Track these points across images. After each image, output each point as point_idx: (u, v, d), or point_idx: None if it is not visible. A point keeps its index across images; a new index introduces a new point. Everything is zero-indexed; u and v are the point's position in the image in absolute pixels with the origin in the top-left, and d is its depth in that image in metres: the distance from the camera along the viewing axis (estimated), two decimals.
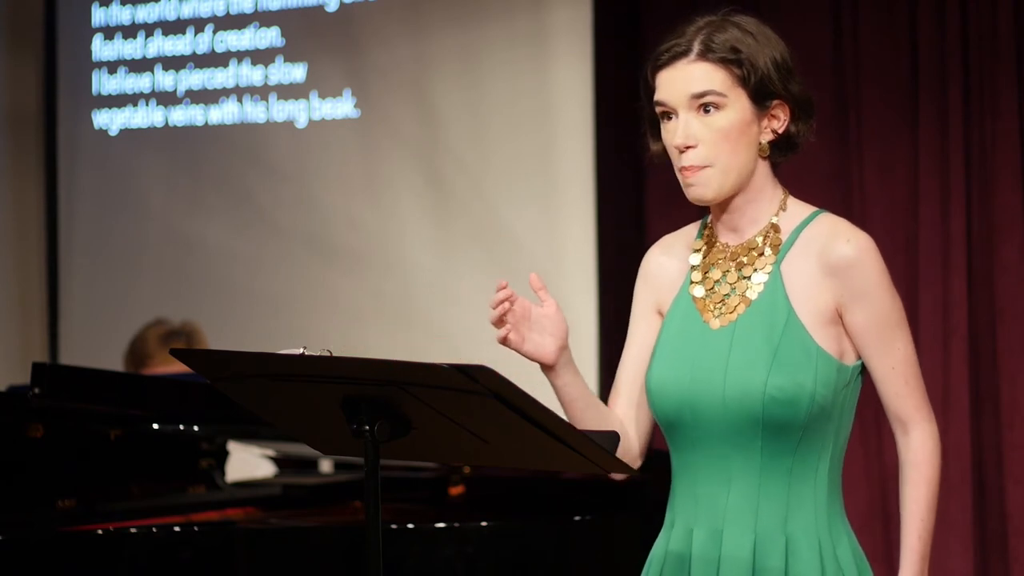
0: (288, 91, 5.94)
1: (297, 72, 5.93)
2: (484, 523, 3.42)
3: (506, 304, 2.27)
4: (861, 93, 4.83)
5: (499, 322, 2.28)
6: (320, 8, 5.88)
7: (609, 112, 5.27)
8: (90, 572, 3.23)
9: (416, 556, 3.37)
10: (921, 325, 4.65)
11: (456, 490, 4.12)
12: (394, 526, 3.36)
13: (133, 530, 3.30)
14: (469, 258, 5.55)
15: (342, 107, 5.83)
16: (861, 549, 2.36)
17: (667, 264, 2.42)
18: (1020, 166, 4.60)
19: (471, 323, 5.51)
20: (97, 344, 6.14)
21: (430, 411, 2.16)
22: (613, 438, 2.29)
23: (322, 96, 5.86)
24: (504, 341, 2.29)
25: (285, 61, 5.95)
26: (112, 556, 3.25)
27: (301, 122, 5.91)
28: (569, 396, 2.36)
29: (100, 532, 3.29)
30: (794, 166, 5.18)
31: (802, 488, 2.27)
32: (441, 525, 3.40)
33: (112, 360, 5.29)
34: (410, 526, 3.39)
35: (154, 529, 3.32)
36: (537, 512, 3.69)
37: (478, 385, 2.06)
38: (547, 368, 2.33)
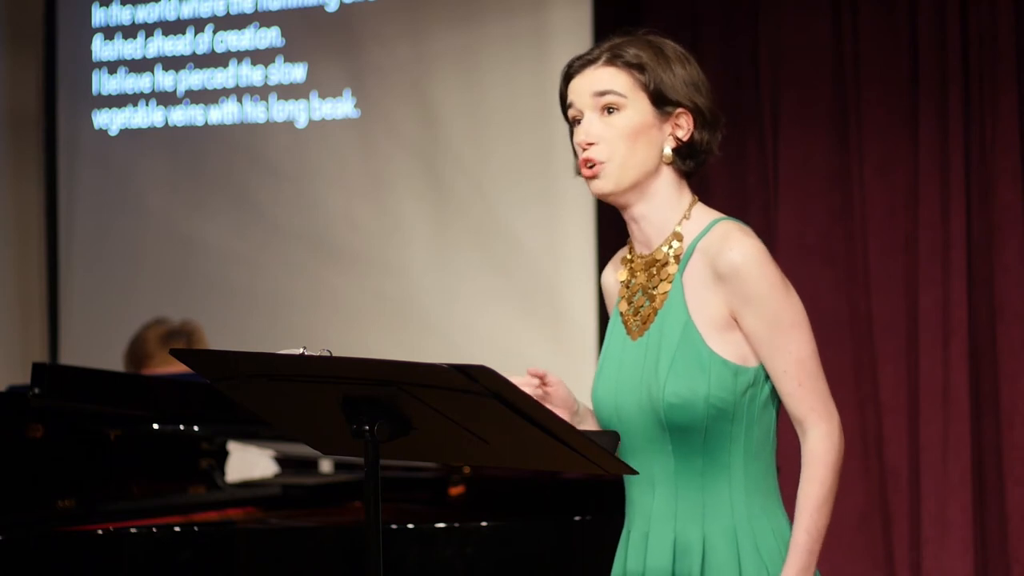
0: (288, 91, 5.94)
1: (297, 72, 5.93)
2: (484, 523, 3.42)
3: (539, 392, 2.40)
4: (861, 93, 4.82)
5: None
6: (320, 8, 5.88)
7: None
8: (90, 572, 3.23)
9: (416, 556, 3.37)
10: (921, 325, 4.65)
11: (456, 490, 4.12)
12: (394, 526, 3.36)
13: (133, 530, 3.30)
14: (469, 258, 5.54)
15: (342, 107, 5.82)
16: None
17: (611, 280, 2.55)
18: (1020, 166, 4.59)
19: (471, 323, 5.51)
20: (97, 344, 6.14)
21: (430, 411, 2.16)
22: (613, 438, 2.33)
23: (322, 96, 5.86)
24: None
25: (285, 61, 5.95)
26: (112, 556, 3.25)
27: (301, 122, 5.91)
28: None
29: (100, 532, 3.29)
30: (796, 165, 5.19)
31: (716, 487, 2.36)
32: (441, 525, 3.40)
33: (112, 360, 5.28)
34: (410, 526, 3.39)
35: (154, 529, 3.32)
36: (537, 512, 3.69)
37: (478, 385, 2.07)
38: None
